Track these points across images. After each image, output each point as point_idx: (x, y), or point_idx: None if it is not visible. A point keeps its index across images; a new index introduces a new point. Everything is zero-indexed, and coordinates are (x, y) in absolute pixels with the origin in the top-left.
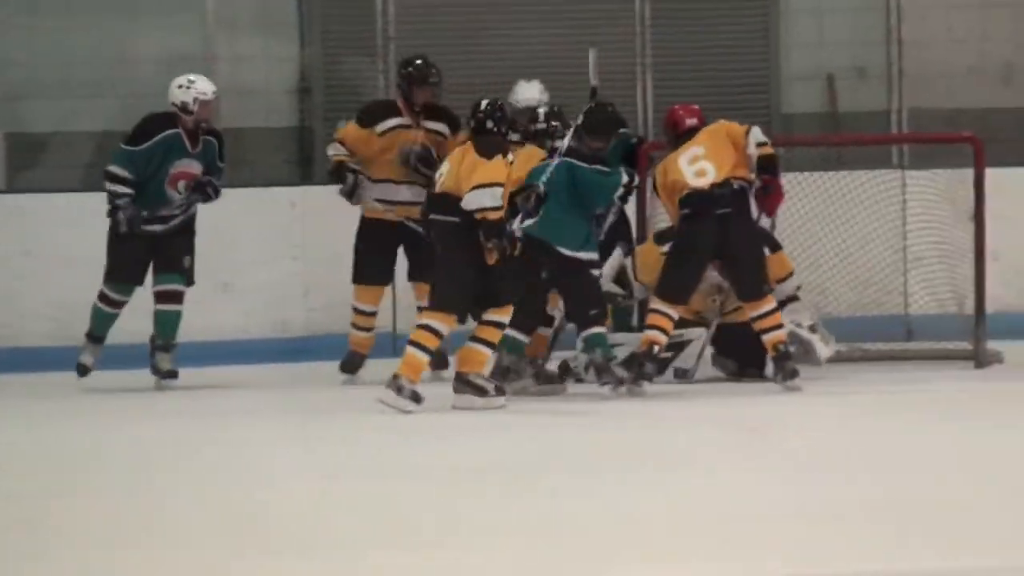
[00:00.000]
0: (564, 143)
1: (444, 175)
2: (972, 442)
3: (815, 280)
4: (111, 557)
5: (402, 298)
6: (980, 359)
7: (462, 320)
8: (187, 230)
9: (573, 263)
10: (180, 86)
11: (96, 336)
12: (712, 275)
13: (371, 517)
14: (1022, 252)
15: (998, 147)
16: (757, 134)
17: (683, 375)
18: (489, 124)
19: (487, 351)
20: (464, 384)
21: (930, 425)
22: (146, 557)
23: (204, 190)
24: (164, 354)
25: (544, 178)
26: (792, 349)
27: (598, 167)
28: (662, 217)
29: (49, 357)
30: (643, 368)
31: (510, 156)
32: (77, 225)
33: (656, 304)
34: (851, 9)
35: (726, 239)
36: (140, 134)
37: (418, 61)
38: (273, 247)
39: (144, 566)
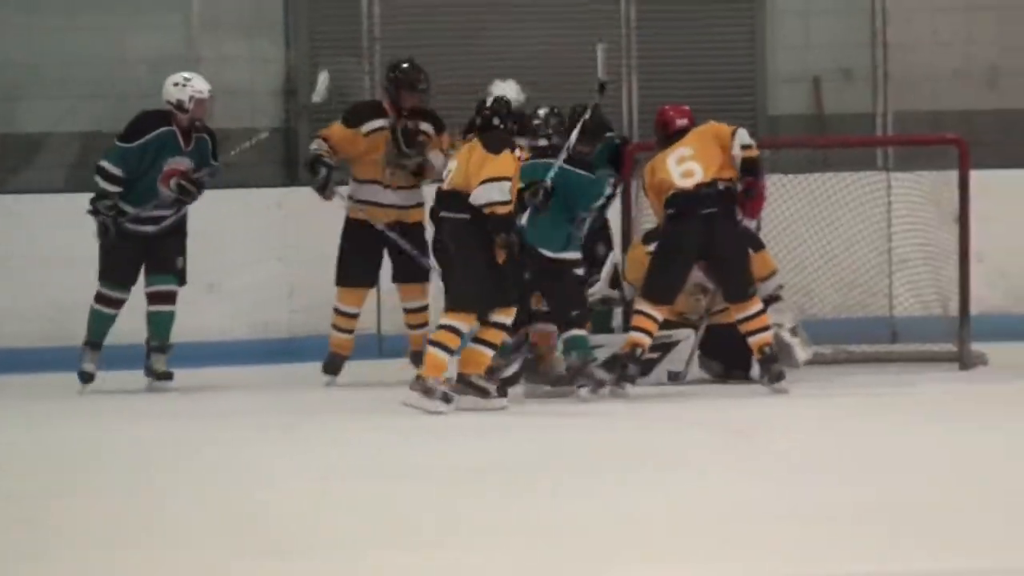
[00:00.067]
0: (571, 140)
1: (452, 172)
2: (958, 443)
3: (800, 282)
4: (111, 557)
5: (387, 300)
6: (965, 361)
7: (482, 317)
8: (179, 231)
9: (556, 264)
10: (176, 84)
11: (94, 342)
12: (695, 275)
13: (371, 517)
14: (1006, 254)
15: (983, 149)
16: (743, 136)
17: (675, 377)
18: (496, 120)
19: (489, 352)
20: (466, 385)
21: (916, 427)
22: (146, 557)
23: (186, 188)
24: (160, 355)
25: (551, 175)
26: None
27: (582, 171)
28: (647, 218)
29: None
30: (626, 370)
31: (517, 152)
32: (62, 226)
33: (641, 305)
34: (837, 11)
35: (711, 239)
36: (133, 131)
37: (405, 65)
38: (258, 248)
39: (144, 566)
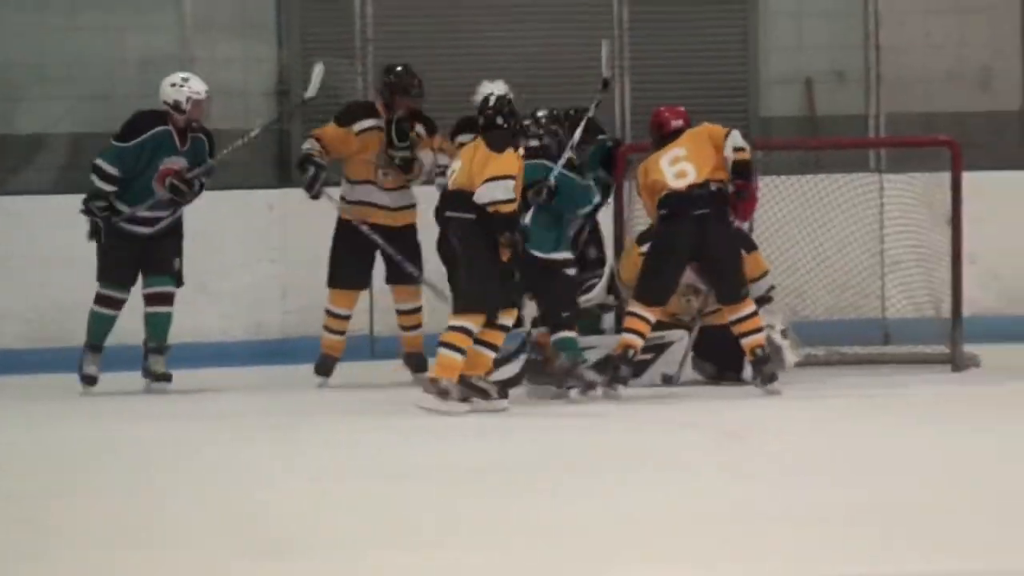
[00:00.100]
0: (575, 138)
1: (456, 172)
2: (951, 445)
3: (792, 283)
4: (110, 557)
5: (379, 301)
6: (957, 363)
7: (492, 317)
8: (175, 232)
9: (547, 265)
10: (173, 84)
11: (95, 345)
12: (687, 276)
13: (371, 517)
14: (999, 255)
15: (975, 151)
16: (736, 138)
17: (669, 380)
18: (499, 120)
19: (490, 354)
20: (467, 387)
21: (908, 429)
22: (146, 557)
23: (179, 188)
24: (158, 356)
25: (555, 174)
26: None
27: (573, 176)
28: (639, 220)
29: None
30: (618, 371)
31: (521, 150)
32: (61, 227)
33: (634, 307)
34: (829, 13)
35: (703, 241)
36: (129, 131)
37: (400, 69)
38: (251, 249)
39: (144, 566)
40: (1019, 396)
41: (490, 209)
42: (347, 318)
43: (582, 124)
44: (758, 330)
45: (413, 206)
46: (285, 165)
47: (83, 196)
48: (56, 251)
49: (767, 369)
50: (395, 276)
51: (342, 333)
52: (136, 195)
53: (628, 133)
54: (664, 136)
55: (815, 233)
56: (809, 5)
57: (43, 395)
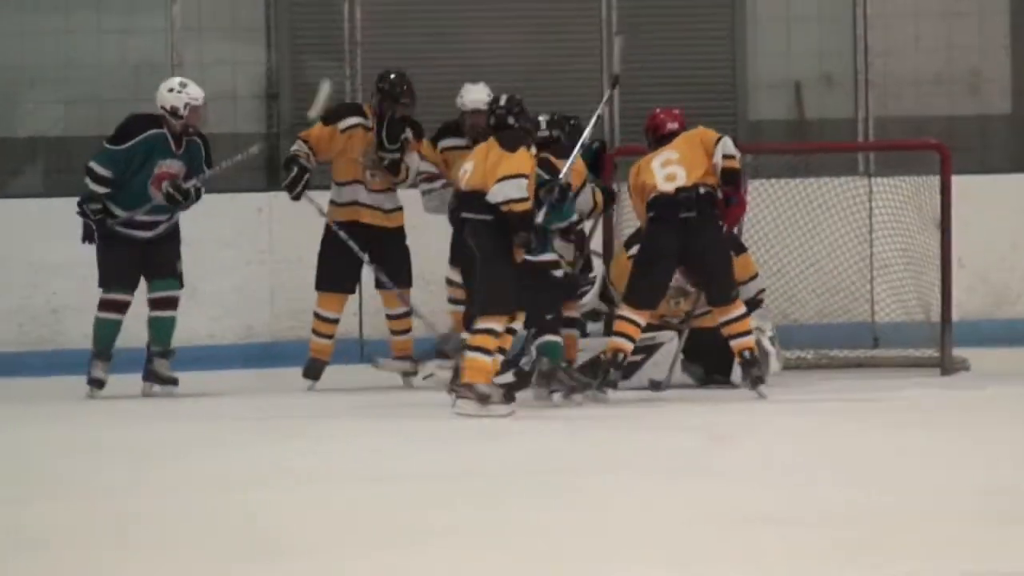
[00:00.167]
0: (587, 132)
1: (469, 172)
2: (939, 449)
3: (781, 287)
4: (110, 558)
5: (369, 304)
6: (946, 366)
7: (511, 317)
8: (174, 235)
9: (534, 267)
10: (171, 90)
11: (103, 351)
12: (675, 278)
13: (371, 518)
14: (987, 259)
15: (964, 155)
16: (727, 145)
17: (657, 386)
18: (510, 120)
19: (486, 359)
20: (470, 392)
21: (897, 432)
22: (145, 557)
23: (173, 196)
24: (163, 360)
25: (565, 173)
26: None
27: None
28: (627, 223)
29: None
30: (608, 375)
31: (533, 149)
32: (42, 230)
33: (624, 311)
34: (818, 17)
35: (690, 244)
36: (122, 134)
37: (392, 76)
38: (240, 252)
39: (144, 566)
40: (1008, 400)
41: (504, 208)
42: (335, 322)
43: (592, 123)
44: (747, 332)
45: (401, 208)
46: (274, 168)
47: (74, 199)
48: (46, 254)
49: (754, 371)
50: (383, 280)
51: (331, 337)
52: (130, 198)
53: (616, 137)
54: (659, 138)
55: (804, 237)
56: (798, 9)
57: (36, 398)
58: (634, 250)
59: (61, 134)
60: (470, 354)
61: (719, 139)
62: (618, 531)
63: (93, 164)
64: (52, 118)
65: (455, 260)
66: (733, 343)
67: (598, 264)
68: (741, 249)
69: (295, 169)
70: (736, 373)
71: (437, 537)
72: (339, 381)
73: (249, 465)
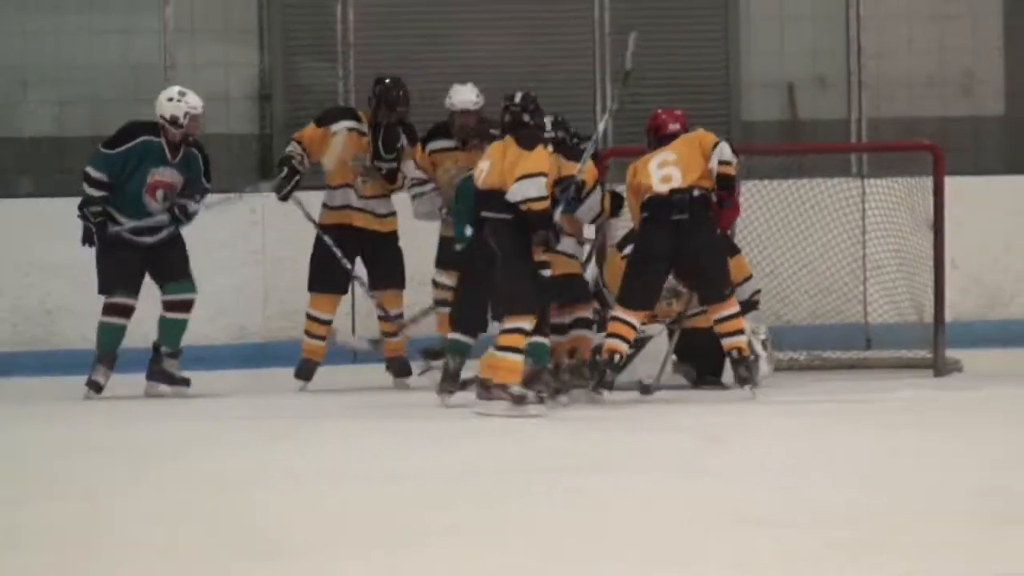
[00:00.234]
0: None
1: (485, 171)
2: (932, 450)
3: (775, 288)
4: (109, 559)
5: (361, 305)
6: (939, 367)
7: (533, 314)
8: (176, 239)
9: None
10: (170, 99)
11: (106, 356)
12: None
13: (371, 518)
14: (981, 261)
15: (957, 156)
16: (723, 150)
17: (647, 390)
18: (525, 117)
19: (518, 358)
20: (505, 393)
21: (890, 434)
22: (145, 558)
23: (184, 210)
24: (173, 360)
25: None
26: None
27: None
28: (619, 225)
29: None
30: (604, 376)
31: (550, 147)
32: (35, 230)
33: (617, 312)
34: (811, 18)
35: (683, 246)
36: (118, 138)
37: (387, 81)
38: (233, 253)
39: (142, 566)
40: (1001, 401)
41: (523, 207)
42: (328, 323)
43: (604, 120)
44: (740, 332)
45: (395, 213)
46: (267, 169)
47: (68, 199)
48: (40, 255)
49: (741, 371)
50: (376, 282)
51: (323, 338)
52: (127, 202)
53: (609, 137)
54: (660, 139)
55: (797, 238)
56: (791, 9)
57: (30, 398)
58: (628, 250)
59: (55, 135)
60: (501, 354)
61: (717, 144)
62: (616, 532)
63: (88, 168)
64: (47, 118)
65: (441, 262)
66: (725, 341)
67: (589, 266)
68: (734, 251)
69: (285, 170)
70: (728, 374)
71: (436, 537)
72: (332, 382)
73: (248, 465)
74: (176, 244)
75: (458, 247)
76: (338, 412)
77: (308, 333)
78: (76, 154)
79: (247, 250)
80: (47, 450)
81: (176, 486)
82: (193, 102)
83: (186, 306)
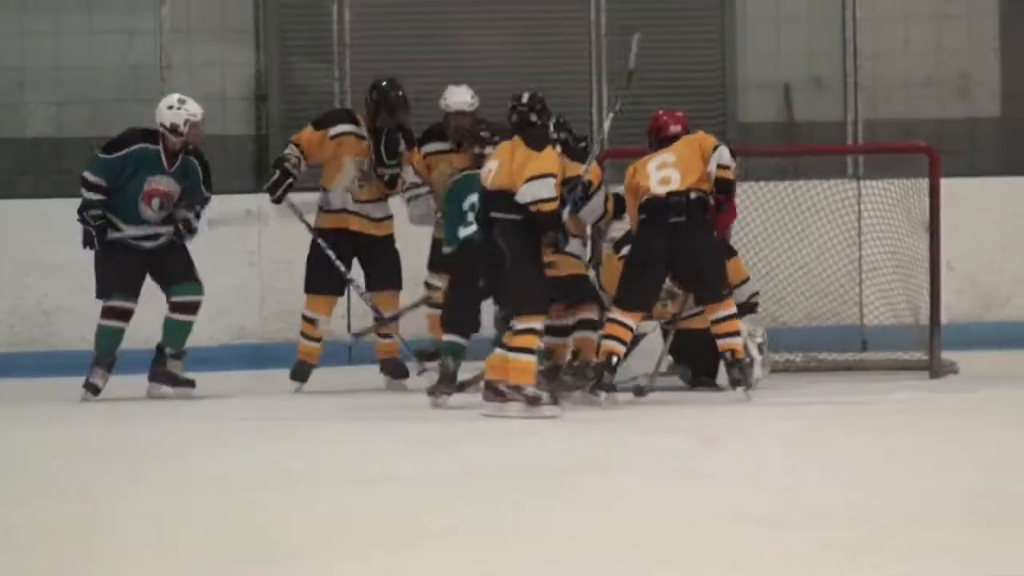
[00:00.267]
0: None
1: (494, 172)
2: (928, 452)
3: (771, 289)
4: (108, 559)
5: (357, 307)
6: (935, 369)
7: (545, 314)
8: (178, 242)
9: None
10: (171, 107)
11: (104, 359)
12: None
13: (371, 518)
14: (976, 262)
15: (953, 158)
16: (722, 154)
17: (640, 392)
18: (533, 117)
19: (531, 359)
20: (518, 394)
21: (886, 435)
22: (144, 558)
23: (188, 226)
24: (176, 362)
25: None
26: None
27: None
28: (615, 227)
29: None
30: (601, 378)
31: (559, 147)
32: (33, 231)
33: (614, 314)
34: (807, 19)
35: (680, 248)
36: (116, 144)
37: (384, 84)
38: (229, 254)
39: (141, 567)
40: (997, 403)
41: (532, 208)
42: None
43: (608, 120)
44: (736, 333)
45: (391, 217)
46: (263, 170)
47: (66, 200)
48: (38, 255)
49: (735, 373)
50: (373, 284)
51: (319, 339)
52: (125, 208)
53: (606, 139)
54: (661, 140)
55: (793, 239)
56: (787, 10)
57: (27, 399)
58: (625, 251)
59: (54, 135)
60: (513, 355)
61: (716, 147)
62: (616, 532)
63: (86, 174)
64: (45, 119)
65: (434, 264)
66: (720, 342)
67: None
68: (731, 253)
69: (277, 173)
70: (722, 375)
71: (435, 538)
72: (328, 384)
73: (247, 466)
74: (178, 247)
75: (446, 250)
76: (336, 413)
77: (303, 335)
78: (75, 155)
79: (244, 251)
80: (45, 451)
81: (175, 487)
82: (193, 110)
83: (193, 308)
